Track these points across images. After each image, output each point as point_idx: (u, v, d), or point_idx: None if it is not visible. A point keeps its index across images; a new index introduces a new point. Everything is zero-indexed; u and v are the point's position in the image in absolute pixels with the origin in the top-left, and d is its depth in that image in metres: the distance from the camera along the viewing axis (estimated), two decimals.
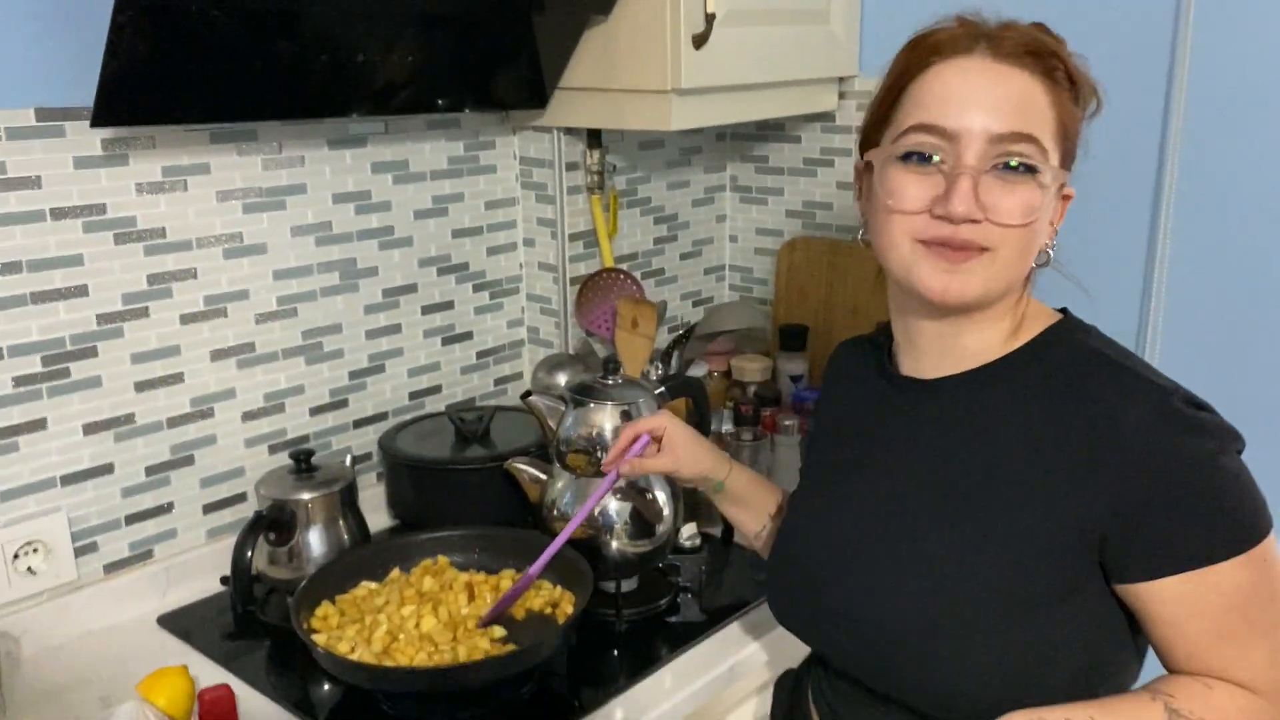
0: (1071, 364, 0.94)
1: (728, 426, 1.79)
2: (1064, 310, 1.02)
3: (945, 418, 0.99)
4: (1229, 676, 0.89)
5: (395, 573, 1.35)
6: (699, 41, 1.50)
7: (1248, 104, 1.50)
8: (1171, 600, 0.87)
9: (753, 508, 1.29)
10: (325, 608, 1.27)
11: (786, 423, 1.74)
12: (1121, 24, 1.56)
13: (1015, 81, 0.90)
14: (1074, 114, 0.94)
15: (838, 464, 1.10)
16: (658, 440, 1.24)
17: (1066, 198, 0.98)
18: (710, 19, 1.50)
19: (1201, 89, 1.52)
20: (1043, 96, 0.92)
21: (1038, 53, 0.92)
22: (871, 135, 0.99)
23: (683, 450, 1.23)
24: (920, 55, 0.94)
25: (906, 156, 0.92)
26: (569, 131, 1.76)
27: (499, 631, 1.24)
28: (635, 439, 1.23)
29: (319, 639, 1.19)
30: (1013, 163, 0.90)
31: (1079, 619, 0.91)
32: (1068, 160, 0.95)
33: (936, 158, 0.91)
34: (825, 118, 1.96)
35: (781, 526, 1.16)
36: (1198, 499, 0.86)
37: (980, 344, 0.99)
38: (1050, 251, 0.97)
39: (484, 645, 1.20)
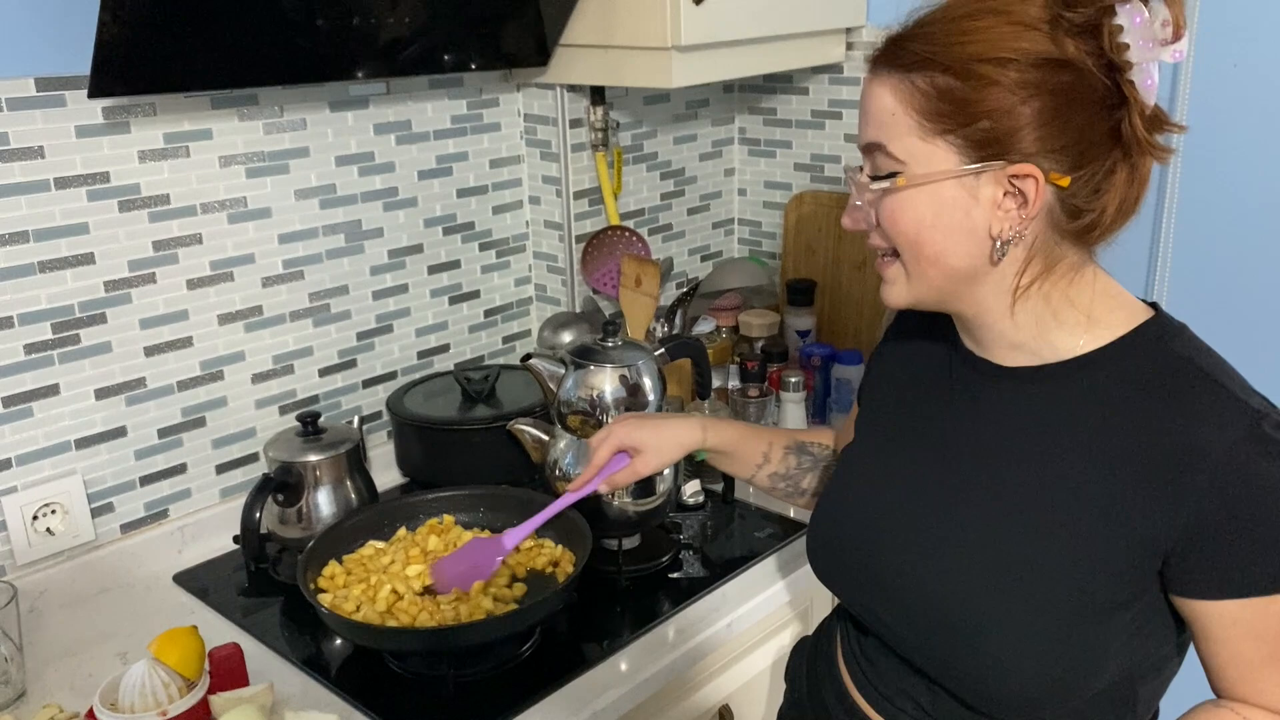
0: (1159, 370, 0.88)
1: (734, 383, 1.79)
2: (1155, 305, 0.95)
3: (1020, 410, 0.95)
4: (1269, 701, 0.88)
5: (401, 532, 1.38)
6: None
7: (1251, 97, 1.49)
8: (1229, 621, 0.86)
9: (737, 459, 1.29)
10: (332, 567, 1.30)
11: (793, 379, 1.74)
12: None
13: (872, 91, 0.90)
14: (970, 93, 0.84)
15: (901, 430, 1.06)
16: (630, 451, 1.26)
17: (1025, 176, 0.85)
18: None
19: (1205, 84, 1.51)
20: (891, 98, 0.87)
21: (893, 49, 0.88)
22: None
23: (651, 455, 1.24)
24: None
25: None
26: (572, 88, 1.75)
27: (520, 589, 1.27)
28: (611, 456, 1.25)
29: (324, 599, 1.23)
30: (867, 175, 0.92)
31: (1133, 625, 0.89)
32: (991, 141, 0.85)
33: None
34: (833, 69, 1.93)
35: (832, 481, 1.13)
36: (1276, 527, 0.83)
37: (1012, 335, 0.94)
38: (1006, 248, 0.87)
39: (486, 605, 1.23)
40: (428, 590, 1.27)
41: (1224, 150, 1.52)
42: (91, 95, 1.23)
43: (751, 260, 2.15)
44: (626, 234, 1.82)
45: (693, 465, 1.60)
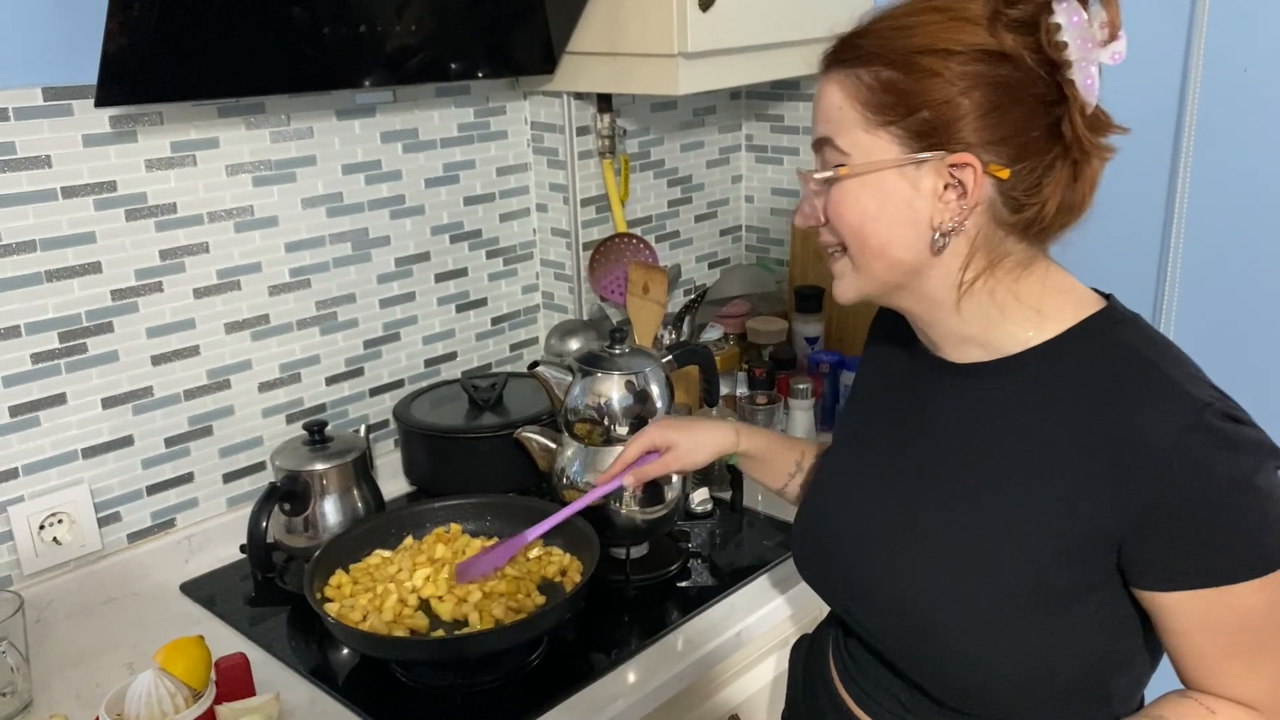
0: (1104, 361, 0.90)
1: (742, 390, 1.79)
2: (1108, 296, 0.97)
3: (972, 405, 0.97)
4: (1234, 694, 0.88)
5: (408, 541, 1.38)
6: (705, 4, 1.49)
7: (1262, 102, 1.48)
8: (1183, 613, 0.86)
9: (770, 466, 1.30)
10: (339, 576, 1.30)
11: (801, 386, 1.74)
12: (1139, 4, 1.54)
13: (823, 88, 0.93)
14: (911, 85, 0.86)
15: (868, 432, 1.09)
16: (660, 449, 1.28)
17: (964, 165, 0.87)
18: None
19: (1215, 89, 1.51)
20: (838, 93, 0.90)
21: (841, 45, 0.91)
22: None
23: (684, 452, 1.27)
24: None
25: None
26: (579, 96, 1.75)
27: (540, 598, 1.26)
28: (640, 455, 1.27)
29: (331, 608, 1.22)
30: (813, 169, 0.94)
31: (1095, 617, 0.90)
32: (931, 132, 0.87)
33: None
34: None
35: (812, 483, 1.17)
36: (1222, 519, 0.83)
37: (960, 330, 0.95)
38: (947, 239, 0.89)
39: (498, 613, 1.22)
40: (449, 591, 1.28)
41: (1234, 155, 1.52)
42: (98, 104, 1.23)
43: (759, 267, 2.14)
44: (634, 241, 1.82)
45: (700, 473, 1.60)
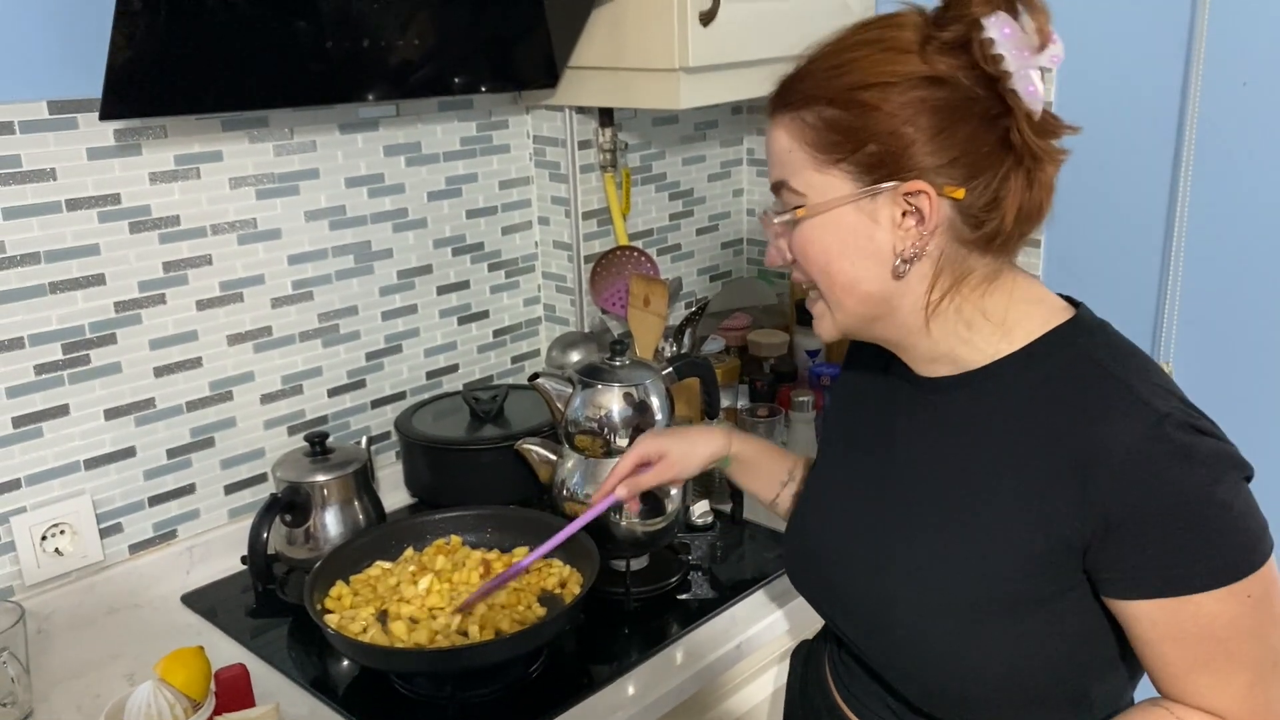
0: (1066, 372, 0.91)
1: (743, 402, 1.79)
2: (1077, 305, 0.97)
3: (940, 418, 0.98)
4: (1204, 704, 0.88)
5: (409, 552, 1.38)
6: (706, 19, 1.49)
7: (1261, 116, 1.49)
8: (1149, 622, 0.87)
9: (762, 474, 1.31)
10: (339, 588, 1.30)
11: (802, 399, 1.74)
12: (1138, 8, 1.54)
13: (771, 133, 0.95)
14: (854, 121, 0.88)
15: (849, 446, 1.11)
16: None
17: (917, 192, 0.88)
18: None
19: (1215, 103, 1.51)
20: (786, 137, 0.92)
21: (781, 90, 0.94)
22: None
23: (676, 460, 1.27)
24: None
25: None
26: (581, 110, 1.76)
27: (541, 610, 1.26)
28: (634, 467, 1.27)
29: (331, 620, 1.22)
30: (773, 213, 0.95)
31: (1064, 622, 0.90)
32: (882, 163, 0.88)
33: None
34: None
35: (799, 498, 1.18)
36: (1181, 529, 0.83)
37: (931, 350, 0.96)
38: (909, 265, 0.90)
39: (503, 625, 1.22)
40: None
41: (1233, 169, 1.52)
42: (103, 117, 1.24)
43: (760, 280, 2.14)
44: (635, 254, 1.83)
45: (701, 485, 1.60)
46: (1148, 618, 0.86)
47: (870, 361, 1.11)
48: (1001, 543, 0.91)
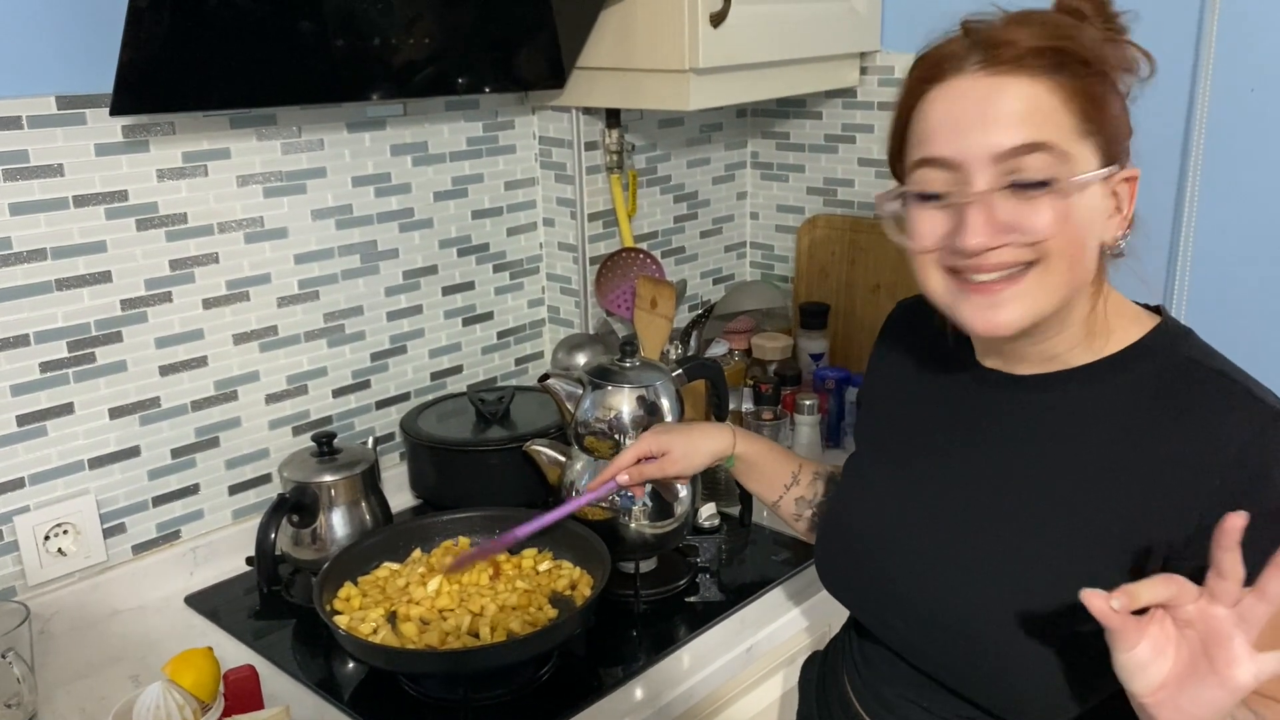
0: (1170, 375, 0.89)
1: (748, 405, 1.79)
2: (1159, 309, 0.96)
3: (1033, 419, 0.95)
4: (1274, 692, 0.85)
5: (416, 553, 1.37)
6: (717, 20, 1.49)
7: (1268, 121, 1.50)
8: None
9: (766, 475, 1.29)
10: (348, 589, 1.29)
11: (807, 402, 1.74)
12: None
13: (1015, 90, 0.85)
14: (1104, 96, 0.86)
15: (907, 441, 1.06)
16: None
17: (1130, 180, 0.90)
18: None
19: (1222, 109, 1.52)
20: (1050, 97, 0.85)
21: (1040, 50, 0.86)
22: (894, 166, 0.96)
23: (679, 455, 1.25)
24: (916, 83, 0.90)
25: (919, 195, 0.90)
26: (587, 111, 1.75)
27: (552, 611, 1.26)
28: (635, 459, 1.26)
29: (341, 620, 1.21)
30: (1025, 178, 0.85)
31: None
32: (1113, 146, 0.87)
33: (944, 191, 0.88)
34: (847, 93, 1.94)
35: (839, 492, 1.14)
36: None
37: (1056, 348, 0.94)
38: (1123, 243, 0.90)
39: (514, 626, 1.21)
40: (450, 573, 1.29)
41: (1241, 173, 1.52)
42: (114, 113, 1.22)
43: (766, 283, 2.14)
44: (641, 256, 1.82)
45: (708, 488, 1.59)
46: None
47: (916, 353, 1.07)
48: (1095, 547, 0.89)
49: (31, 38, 1.24)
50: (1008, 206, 0.85)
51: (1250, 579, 0.82)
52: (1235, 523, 0.71)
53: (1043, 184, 0.84)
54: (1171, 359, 0.90)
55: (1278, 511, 0.82)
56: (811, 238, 2.01)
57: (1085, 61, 0.86)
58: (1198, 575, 0.84)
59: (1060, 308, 0.90)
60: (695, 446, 1.26)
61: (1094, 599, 0.73)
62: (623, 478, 1.25)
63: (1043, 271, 0.87)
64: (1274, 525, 0.82)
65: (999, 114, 0.85)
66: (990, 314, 0.88)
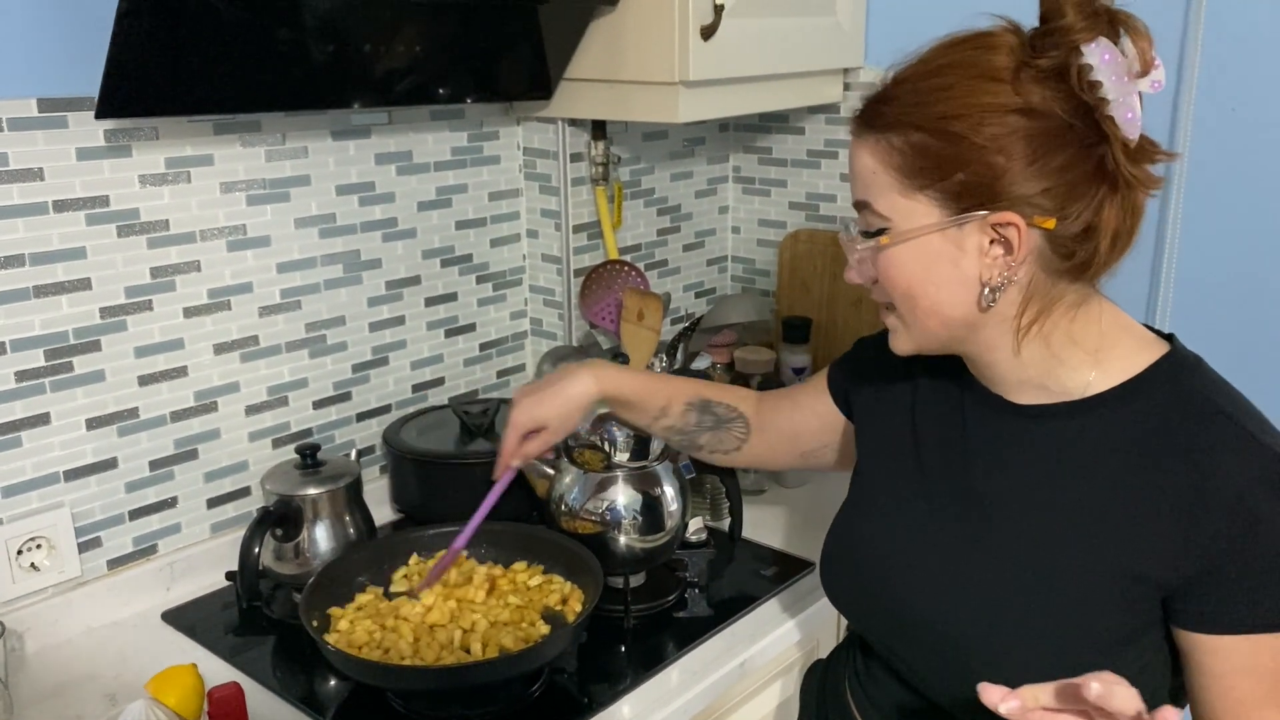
0: (1174, 410, 0.89)
1: None
2: (1170, 336, 0.95)
3: (1033, 448, 0.95)
4: None
5: (403, 569, 1.34)
6: (707, 33, 1.49)
7: (1251, 141, 1.52)
8: (1224, 655, 0.86)
9: (635, 410, 1.30)
10: (334, 605, 1.26)
11: None
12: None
13: (856, 152, 0.93)
14: (943, 151, 0.86)
15: (913, 464, 1.06)
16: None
17: (1005, 225, 0.86)
18: (719, 10, 1.48)
19: (1206, 129, 1.54)
20: (869, 159, 0.91)
21: (865, 116, 0.92)
22: None
23: (556, 423, 1.27)
24: None
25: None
26: (573, 122, 1.75)
27: (545, 627, 1.24)
28: (519, 439, 1.28)
29: (330, 636, 1.19)
30: (864, 230, 0.94)
31: (1144, 658, 0.90)
32: (971, 193, 0.86)
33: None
34: (829, 109, 1.95)
35: (844, 513, 1.13)
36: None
37: (1026, 376, 0.94)
38: (996, 294, 0.89)
39: (507, 643, 1.19)
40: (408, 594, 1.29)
41: (1224, 192, 1.55)
42: (99, 116, 1.20)
43: (752, 294, 2.14)
44: (626, 268, 1.81)
45: (698, 505, 1.58)
46: (1224, 650, 0.85)
47: (923, 373, 1.07)
48: (1095, 577, 0.89)
49: (12, 40, 1.21)
50: (855, 255, 0.96)
51: (1250, 624, 0.83)
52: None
53: (873, 235, 0.92)
54: (1176, 393, 0.89)
55: (1275, 553, 0.82)
56: (793, 252, 2.01)
57: (903, 121, 0.88)
58: (1200, 620, 0.85)
59: (950, 340, 0.94)
60: (567, 411, 1.27)
61: (990, 693, 0.74)
62: (515, 461, 1.28)
63: (900, 313, 0.95)
64: (1269, 564, 0.82)
65: (851, 174, 0.95)
66: (890, 339, 0.99)
